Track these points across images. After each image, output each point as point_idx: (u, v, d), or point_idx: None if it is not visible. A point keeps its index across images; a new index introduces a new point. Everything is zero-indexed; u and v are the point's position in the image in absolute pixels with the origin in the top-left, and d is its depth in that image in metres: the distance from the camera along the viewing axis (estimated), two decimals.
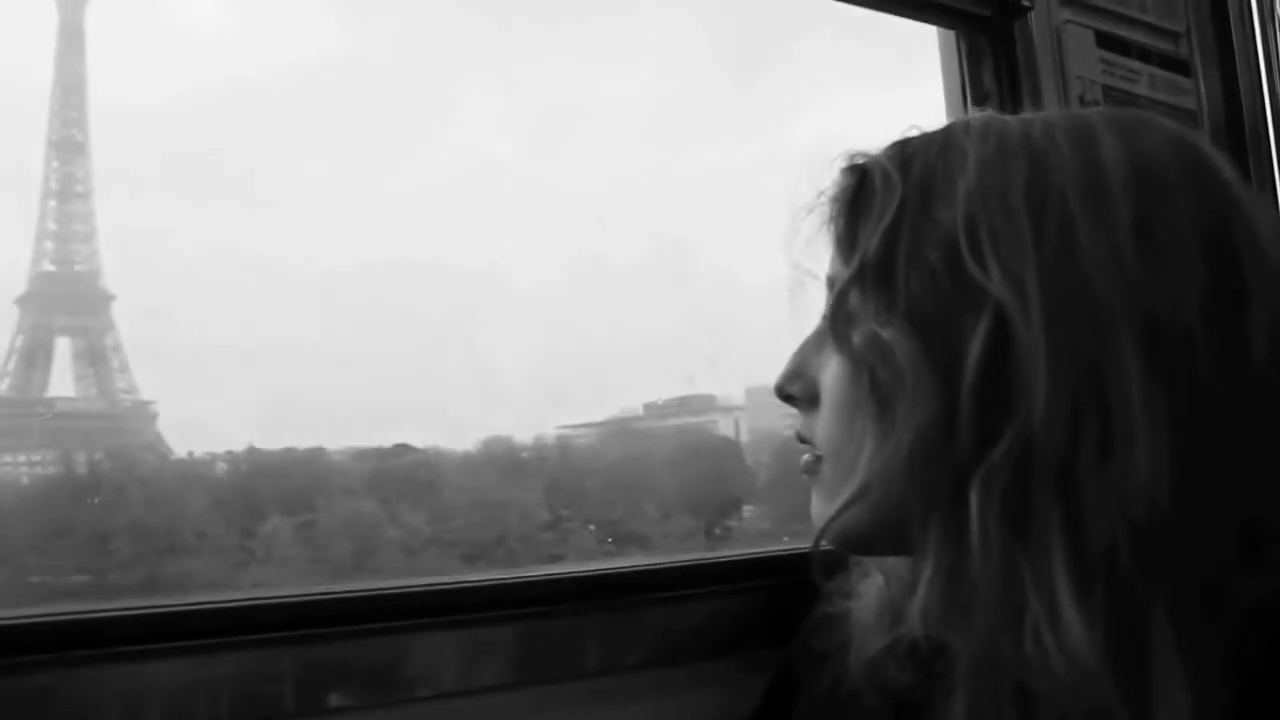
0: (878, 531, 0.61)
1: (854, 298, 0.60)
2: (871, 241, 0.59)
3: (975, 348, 0.54)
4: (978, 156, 0.57)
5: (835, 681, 0.66)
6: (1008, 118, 0.61)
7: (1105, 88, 1.16)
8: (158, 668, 0.82)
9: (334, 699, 0.88)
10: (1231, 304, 0.55)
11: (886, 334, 0.57)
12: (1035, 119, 0.60)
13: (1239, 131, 1.27)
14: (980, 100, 1.12)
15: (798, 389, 0.66)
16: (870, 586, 0.73)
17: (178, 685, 0.83)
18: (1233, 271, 0.55)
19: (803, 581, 0.70)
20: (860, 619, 0.72)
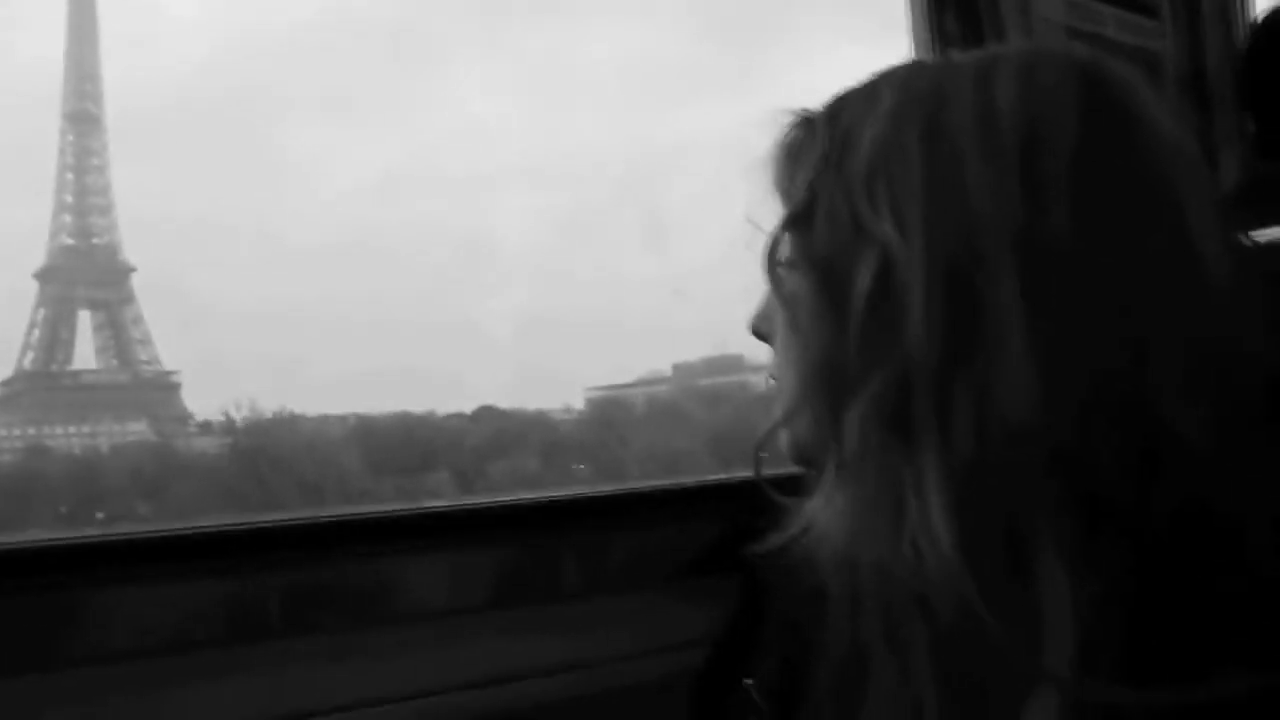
0: (801, 452, 0.67)
1: (783, 243, 0.65)
2: (797, 191, 0.64)
3: (862, 284, 0.59)
4: (888, 105, 0.61)
5: (800, 585, 0.69)
6: (930, 62, 0.64)
7: (1070, 30, 1.18)
8: (161, 590, 0.88)
9: (322, 619, 0.94)
10: (1123, 219, 0.57)
11: (798, 275, 0.64)
12: (951, 63, 0.63)
13: (1202, 75, 1.29)
14: (944, 45, 1.15)
15: (767, 327, 0.72)
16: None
17: (180, 607, 0.89)
18: (1121, 188, 0.58)
19: (766, 504, 0.75)
20: (817, 528, 0.76)
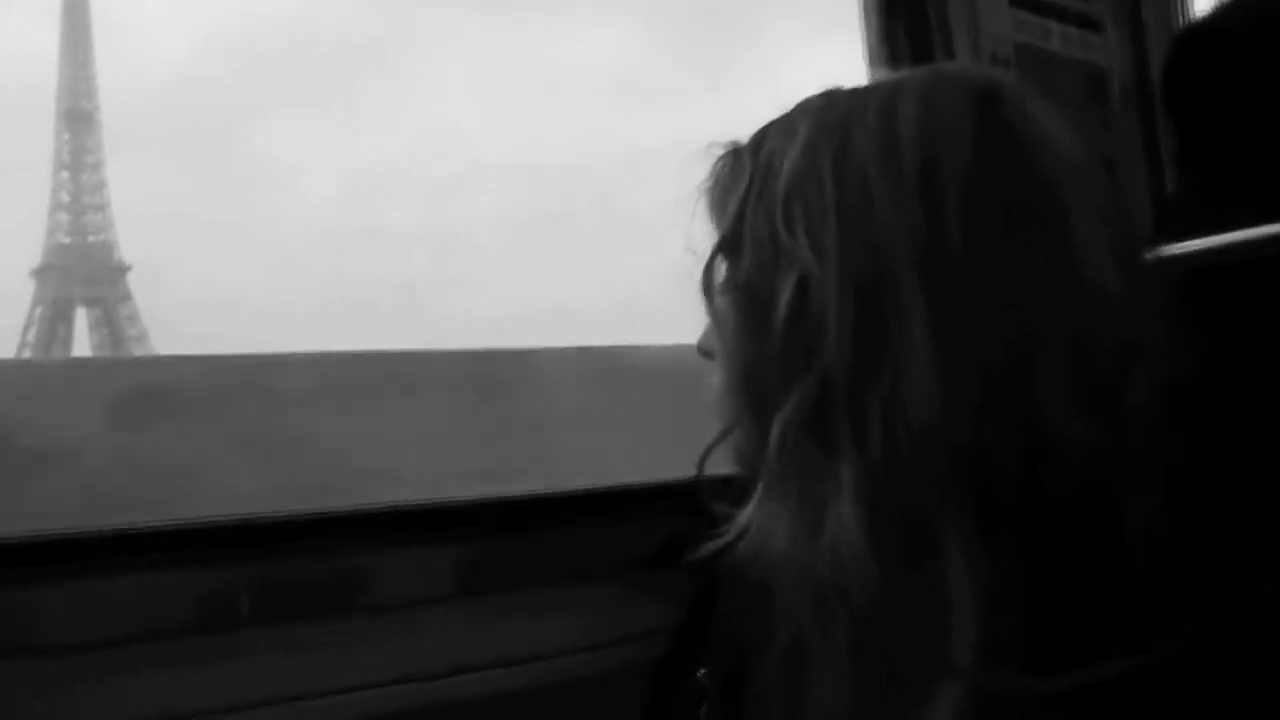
0: (745, 461, 0.72)
1: (715, 267, 0.71)
2: (726, 219, 0.69)
3: (783, 304, 0.64)
4: (804, 135, 0.66)
5: (746, 580, 0.74)
6: (843, 91, 0.69)
7: (1017, 45, 1.22)
8: (128, 581, 0.92)
9: (290, 610, 0.98)
10: (1009, 232, 0.62)
11: (727, 299, 0.69)
12: (860, 93, 0.68)
13: (1147, 87, 1.33)
14: (895, 59, 1.19)
15: (710, 346, 0.76)
16: None
17: (147, 598, 0.93)
18: (1008, 203, 0.62)
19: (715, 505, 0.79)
20: (756, 529, 0.81)
